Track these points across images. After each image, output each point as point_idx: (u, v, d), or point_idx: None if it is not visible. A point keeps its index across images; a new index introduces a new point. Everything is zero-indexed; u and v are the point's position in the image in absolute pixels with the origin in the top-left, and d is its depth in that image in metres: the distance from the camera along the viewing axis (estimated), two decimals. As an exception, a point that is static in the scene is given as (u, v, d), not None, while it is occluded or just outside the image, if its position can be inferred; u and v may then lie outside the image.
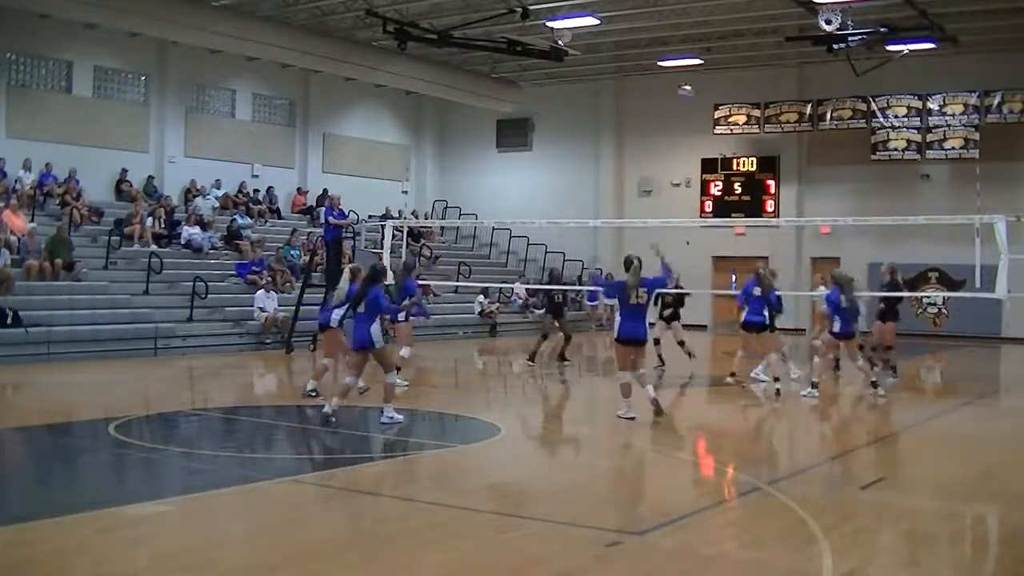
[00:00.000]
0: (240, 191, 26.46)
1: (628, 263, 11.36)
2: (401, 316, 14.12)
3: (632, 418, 11.27)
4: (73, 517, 6.97)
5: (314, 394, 12.65)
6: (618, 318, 11.40)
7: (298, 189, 28.66)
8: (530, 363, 17.50)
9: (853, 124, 27.10)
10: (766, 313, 14.46)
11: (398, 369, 13.62)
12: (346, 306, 11.43)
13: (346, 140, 30.48)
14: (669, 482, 9.04)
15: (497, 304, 26.61)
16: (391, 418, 10.98)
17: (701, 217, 28.84)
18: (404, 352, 14.32)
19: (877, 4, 20.89)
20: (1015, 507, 8.07)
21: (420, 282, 24.56)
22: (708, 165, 29.46)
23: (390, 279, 16.05)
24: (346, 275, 12.91)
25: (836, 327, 13.73)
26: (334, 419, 10.77)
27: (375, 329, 10.86)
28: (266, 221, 26.22)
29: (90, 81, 24.02)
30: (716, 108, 28.68)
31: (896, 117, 26.49)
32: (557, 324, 18.05)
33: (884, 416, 13.03)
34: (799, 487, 8.49)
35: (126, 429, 10.53)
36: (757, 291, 14.52)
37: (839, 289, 13.60)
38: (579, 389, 16.32)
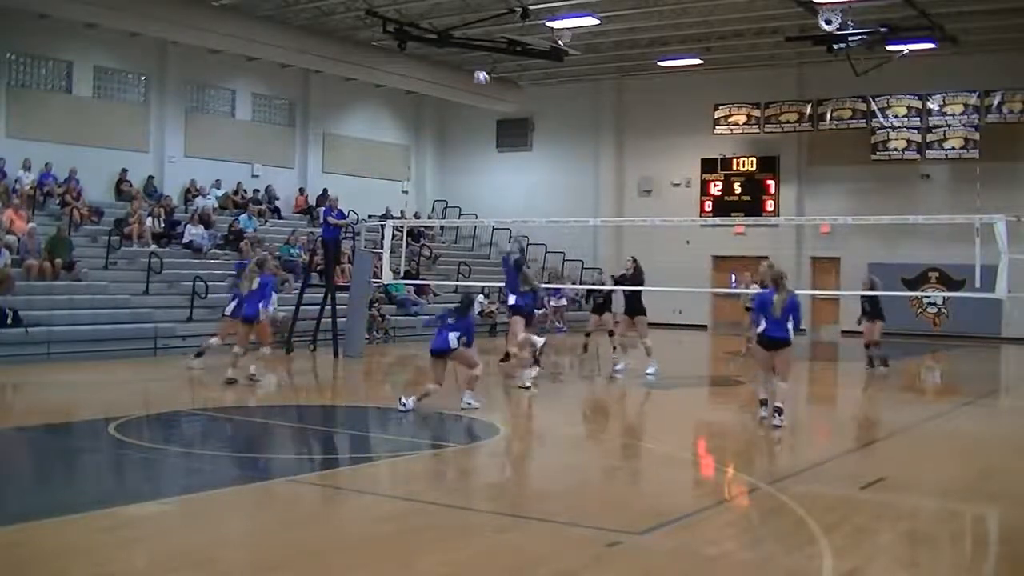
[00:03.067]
0: (238, 191, 26.49)
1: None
2: (263, 316, 15.08)
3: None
4: (73, 517, 6.98)
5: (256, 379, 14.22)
6: None
7: (300, 190, 28.67)
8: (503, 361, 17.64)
9: (853, 124, 27.10)
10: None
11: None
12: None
13: (346, 140, 30.47)
14: (669, 482, 9.03)
15: (497, 304, 26.58)
16: (468, 404, 12.11)
17: (701, 217, 28.83)
18: (266, 351, 15.76)
19: (877, 4, 20.88)
20: (1015, 507, 8.07)
21: (420, 282, 24.72)
22: (708, 165, 29.45)
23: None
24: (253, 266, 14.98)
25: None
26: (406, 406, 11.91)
27: (451, 337, 11.89)
28: (266, 221, 26.23)
29: (90, 81, 24.01)
30: (716, 108, 28.68)
31: (896, 117, 26.48)
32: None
33: (884, 416, 13.02)
34: (799, 487, 8.48)
35: (126, 429, 10.52)
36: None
37: (774, 288, 11.63)
38: (579, 389, 16.29)
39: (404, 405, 11.81)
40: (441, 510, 7.44)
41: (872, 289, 17.67)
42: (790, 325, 11.26)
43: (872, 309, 17.52)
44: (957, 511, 8.02)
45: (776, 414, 11.16)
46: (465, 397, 12.18)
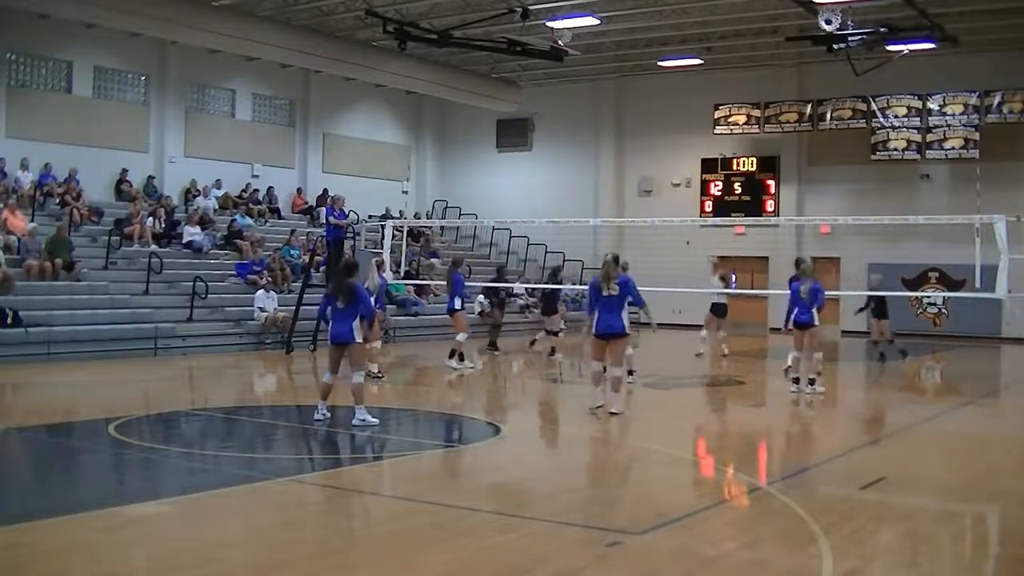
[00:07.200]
0: (248, 191, 26.53)
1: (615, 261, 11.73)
2: (457, 304, 16.64)
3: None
4: (73, 517, 6.97)
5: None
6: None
7: (298, 190, 28.67)
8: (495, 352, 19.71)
9: (853, 124, 27.11)
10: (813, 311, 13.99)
11: (461, 357, 16.64)
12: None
13: (346, 140, 30.48)
14: (669, 482, 9.03)
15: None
16: (363, 420, 10.75)
17: (701, 217, 28.83)
18: (460, 337, 16.70)
19: (877, 4, 20.89)
20: (1015, 507, 8.07)
21: (419, 282, 24.73)
22: (708, 165, 29.47)
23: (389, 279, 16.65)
24: (373, 266, 15.27)
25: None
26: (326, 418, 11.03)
27: (355, 325, 10.90)
28: (266, 221, 26.23)
29: (90, 81, 24.02)
30: (716, 108, 28.68)
31: (896, 117, 26.49)
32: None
33: (884, 416, 13.02)
34: (799, 487, 8.48)
35: (126, 429, 10.53)
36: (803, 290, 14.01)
37: (800, 280, 14.22)
38: (579, 389, 16.28)
39: (324, 415, 10.99)
40: (442, 510, 7.44)
41: (876, 288, 18.15)
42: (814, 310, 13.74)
43: (878, 308, 19.11)
44: (957, 511, 8.02)
45: (810, 384, 13.64)
46: (358, 414, 10.74)
